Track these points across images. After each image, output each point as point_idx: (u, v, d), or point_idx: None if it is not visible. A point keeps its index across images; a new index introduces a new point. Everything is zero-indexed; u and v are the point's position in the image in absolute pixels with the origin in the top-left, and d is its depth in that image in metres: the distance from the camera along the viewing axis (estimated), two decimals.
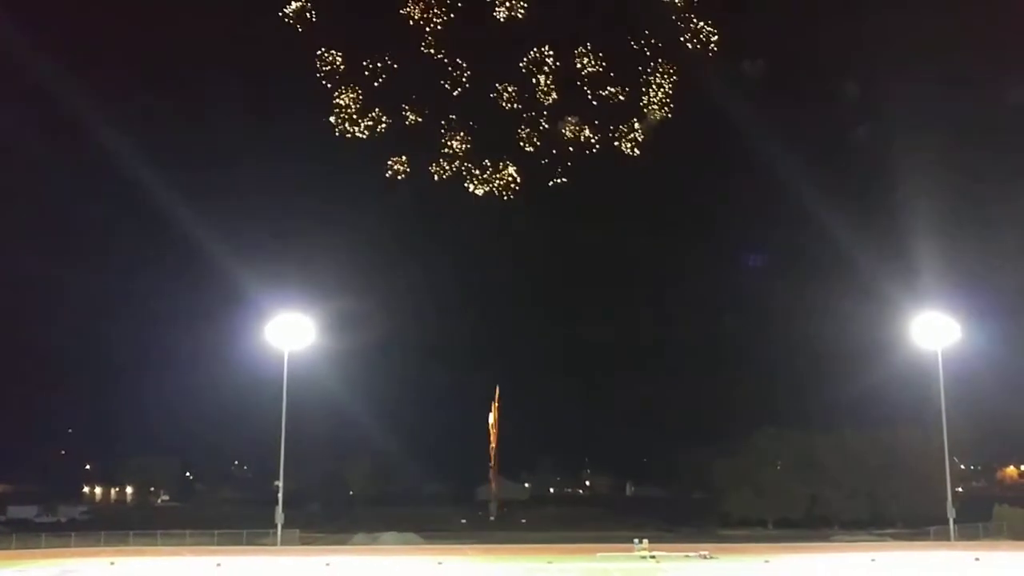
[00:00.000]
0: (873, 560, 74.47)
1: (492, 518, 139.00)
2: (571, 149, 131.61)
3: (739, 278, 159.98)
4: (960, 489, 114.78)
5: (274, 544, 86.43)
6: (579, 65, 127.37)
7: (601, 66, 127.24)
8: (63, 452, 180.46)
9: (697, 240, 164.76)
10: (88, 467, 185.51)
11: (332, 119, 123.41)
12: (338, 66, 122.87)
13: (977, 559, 72.96)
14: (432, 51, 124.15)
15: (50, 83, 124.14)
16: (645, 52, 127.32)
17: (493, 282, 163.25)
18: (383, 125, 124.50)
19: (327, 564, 73.75)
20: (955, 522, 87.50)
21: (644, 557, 76.55)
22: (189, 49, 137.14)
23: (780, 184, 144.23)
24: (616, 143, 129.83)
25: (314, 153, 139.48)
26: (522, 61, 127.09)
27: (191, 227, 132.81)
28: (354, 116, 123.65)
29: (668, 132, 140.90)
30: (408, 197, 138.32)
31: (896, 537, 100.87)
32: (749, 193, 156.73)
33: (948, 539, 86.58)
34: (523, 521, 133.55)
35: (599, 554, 78.37)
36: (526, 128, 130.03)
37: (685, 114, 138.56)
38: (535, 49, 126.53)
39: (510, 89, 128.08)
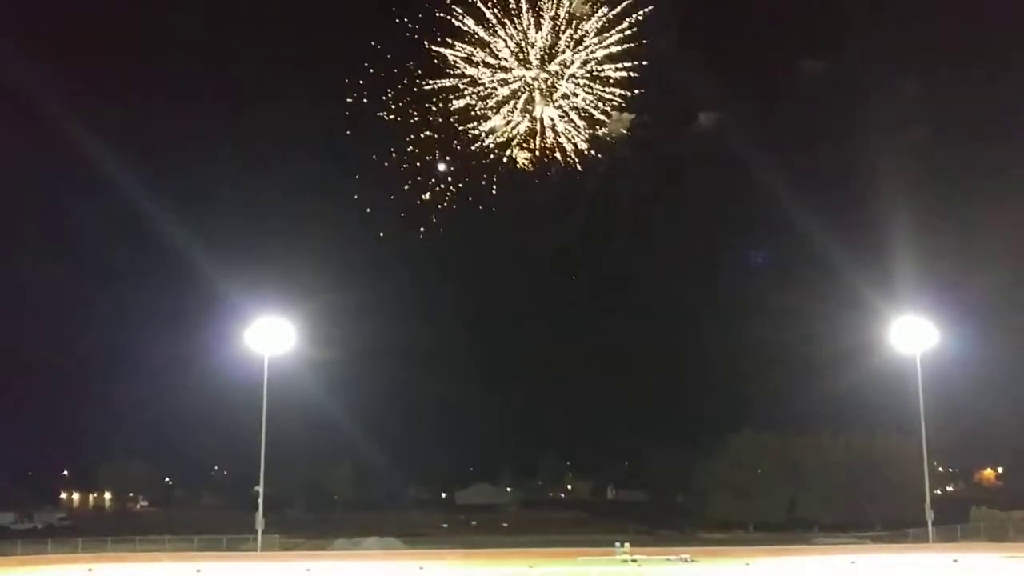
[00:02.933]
0: (853, 563, 74.80)
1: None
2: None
3: (717, 283, 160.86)
4: (938, 491, 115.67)
5: (254, 550, 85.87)
6: None
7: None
8: (39, 458, 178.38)
9: (677, 246, 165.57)
10: (65, 473, 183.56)
11: None
12: None
13: (955, 560, 73.46)
14: None
15: (22, 79, 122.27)
16: None
17: (475, 288, 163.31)
18: None
19: (308, 570, 73.44)
20: (933, 524, 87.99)
21: (625, 561, 76.54)
22: (162, 48, 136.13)
23: (759, 190, 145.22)
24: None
25: (296, 152, 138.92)
26: None
27: (169, 228, 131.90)
28: None
29: (652, 140, 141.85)
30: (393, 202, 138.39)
31: (875, 539, 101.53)
32: (727, 199, 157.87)
33: (927, 541, 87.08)
34: (504, 525, 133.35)
35: (580, 558, 78.42)
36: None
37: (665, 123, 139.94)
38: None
39: None
